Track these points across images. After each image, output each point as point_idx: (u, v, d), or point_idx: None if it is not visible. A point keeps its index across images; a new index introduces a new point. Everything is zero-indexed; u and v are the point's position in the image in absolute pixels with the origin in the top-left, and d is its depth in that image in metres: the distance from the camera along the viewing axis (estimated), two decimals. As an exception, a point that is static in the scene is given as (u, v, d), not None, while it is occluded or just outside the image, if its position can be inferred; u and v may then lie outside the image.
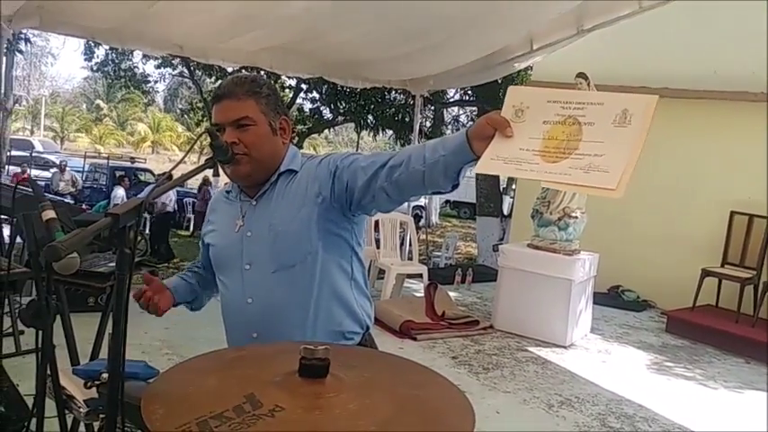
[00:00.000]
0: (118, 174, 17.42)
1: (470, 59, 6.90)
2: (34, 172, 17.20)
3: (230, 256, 1.76)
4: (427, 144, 1.47)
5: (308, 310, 1.69)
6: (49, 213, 1.65)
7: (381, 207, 1.64)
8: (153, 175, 18.86)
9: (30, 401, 2.47)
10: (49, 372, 1.74)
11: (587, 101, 1.29)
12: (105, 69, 17.38)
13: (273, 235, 1.68)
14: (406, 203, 8.22)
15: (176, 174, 1.70)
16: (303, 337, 1.66)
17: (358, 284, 1.80)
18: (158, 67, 17.25)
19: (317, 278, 1.68)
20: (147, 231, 10.66)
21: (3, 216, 4.11)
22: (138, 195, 1.87)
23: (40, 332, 1.70)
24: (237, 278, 1.74)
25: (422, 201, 17.09)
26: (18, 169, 15.75)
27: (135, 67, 17.52)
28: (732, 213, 6.83)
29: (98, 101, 41.65)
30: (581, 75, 5.77)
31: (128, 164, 21.99)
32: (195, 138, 1.72)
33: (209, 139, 1.60)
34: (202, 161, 1.62)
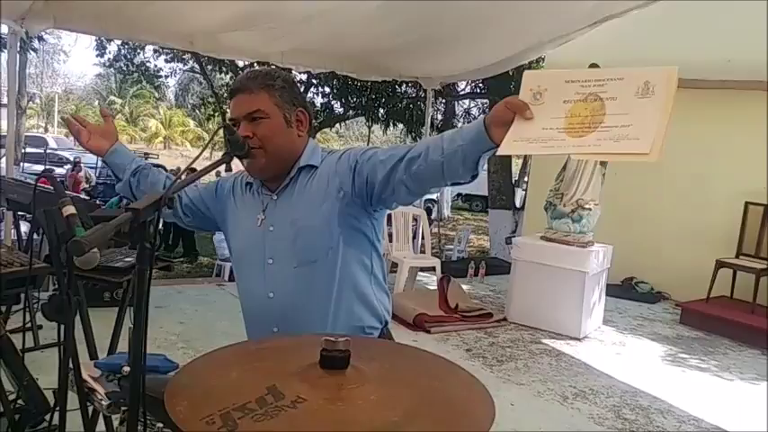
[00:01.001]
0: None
1: (487, 63, 6.93)
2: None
3: (252, 250, 1.76)
4: (445, 135, 1.46)
5: (329, 305, 1.70)
6: (70, 209, 1.67)
7: (401, 200, 1.64)
8: (166, 170, 18.89)
9: (49, 395, 2.50)
10: (71, 365, 1.76)
11: (607, 77, 1.28)
12: (117, 65, 17.45)
13: (296, 230, 1.69)
14: (418, 197, 8.14)
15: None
16: (323, 332, 1.67)
17: (377, 279, 1.81)
18: (169, 61, 17.27)
19: (338, 273, 1.70)
20: (161, 227, 10.74)
21: (20, 212, 4.16)
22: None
23: (62, 326, 1.72)
24: (259, 272, 1.74)
25: (434, 194, 17.06)
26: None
27: (147, 61, 17.57)
28: (747, 204, 6.77)
29: (111, 97, 41.82)
30: (593, 65, 5.72)
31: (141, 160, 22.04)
32: (212, 133, 1.75)
33: (225, 134, 1.62)
34: (216, 157, 1.64)
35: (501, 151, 1.31)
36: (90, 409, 2.03)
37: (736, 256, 6.69)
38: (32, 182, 2.49)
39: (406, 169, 1.52)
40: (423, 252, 7.34)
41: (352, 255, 1.72)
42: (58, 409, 1.83)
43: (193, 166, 1.61)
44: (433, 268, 6.87)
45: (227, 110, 1.78)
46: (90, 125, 1.96)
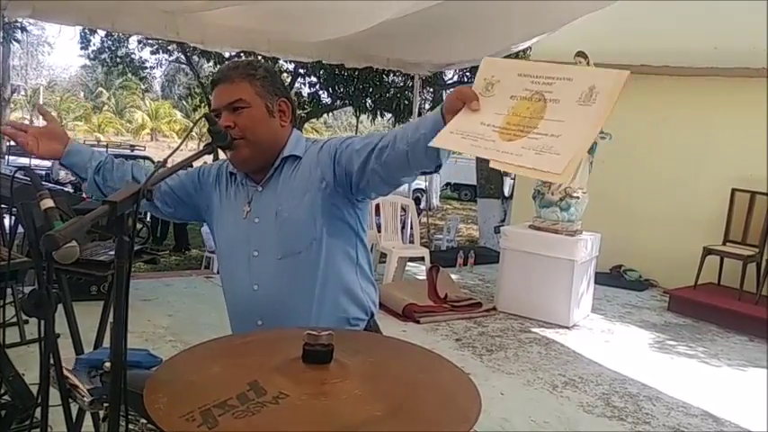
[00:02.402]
0: (117, 162, 17.35)
1: (475, 56, 6.89)
2: (34, 161, 17.12)
3: (238, 242, 1.74)
4: (412, 123, 1.48)
5: (314, 297, 1.69)
6: (48, 202, 1.63)
7: (377, 189, 1.64)
8: (153, 162, 18.80)
9: (35, 390, 2.47)
10: (52, 361, 1.73)
11: (557, 76, 1.26)
12: (102, 57, 17.24)
13: (279, 222, 1.68)
14: (406, 186, 8.14)
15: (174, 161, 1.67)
16: (308, 324, 1.65)
17: (363, 271, 1.79)
18: (154, 52, 17.07)
19: (322, 264, 1.68)
20: (149, 219, 10.66)
21: (3, 206, 4.10)
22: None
23: (42, 322, 1.69)
24: (244, 264, 1.72)
25: (422, 183, 17.03)
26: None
27: (131, 53, 17.38)
28: (733, 191, 6.81)
29: (100, 88, 41.39)
30: (580, 53, 5.73)
31: (127, 151, 21.81)
32: (193, 124, 1.71)
33: (207, 125, 1.59)
34: (201, 148, 1.61)
35: (434, 143, 1.30)
36: (76, 406, 2.00)
37: (724, 243, 6.73)
38: (19, 175, 2.44)
39: (377, 158, 1.52)
40: (412, 242, 7.33)
41: (337, 246, 1.71)
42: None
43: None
44: (423, 258, 6.86)
45: (213, 100, 1.74)
46: (32, 129, 1.78)
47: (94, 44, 16.04)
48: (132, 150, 22.59)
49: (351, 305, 1.75)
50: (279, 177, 1.72)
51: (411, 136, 1.42)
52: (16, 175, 1.92)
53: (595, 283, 6.37)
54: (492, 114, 1.27)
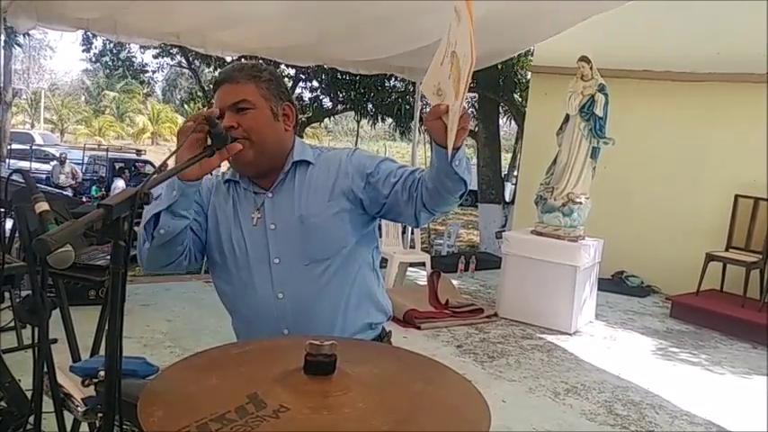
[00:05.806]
0: (118, 166, 17.47)
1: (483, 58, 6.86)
2: (35, 165, 17.14)
3: (253, 250, 1.69)
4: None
5: (341, 303, 1.68)
6: (42, 205, 1.59)
7: (424, 219, 1.68)
8: (153, 166, 18.75)
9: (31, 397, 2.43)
10: (46, 369, 1.69)
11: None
12: (104, 60, 17.24)
13: (305, 227, 1.66)
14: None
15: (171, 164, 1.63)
16: (333, 330, 1.66)
17: (377, 274, 1.82)
18: (156, 56, 17.05)
19: (350, 272, 1.69)
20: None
21: (1, 209, 4.07)
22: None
23: (36, 328, 1.65)
24: (265, 273, 1.68)
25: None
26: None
27: (133, 57, 17.37)
28: (736, 197, 6.76)
29: (105, 91, 41.34)
30: (583, 58, 5.70)
31: (132, 156, 21.53)
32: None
33: (207, 127, 1.54)
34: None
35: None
36: (71, 415, 1.96)
37: (726, 250, 6.68)
38: (16, 177, 2.40)
39: (410, 189, 1.62)
40: (412, 247, 7.29)
41: (363, 253, 1.74)
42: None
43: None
44: (423, 263, 6.82)
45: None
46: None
47: (96, 47, 16.05)
48: (139, 155, 22.17)
49: (374, 310, 1.77)
50: (292, 182, 1.70)
51: (430, 174, 1.54)
52: (12, 177, 1.88)
53: (597, 289, 6.32)
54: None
